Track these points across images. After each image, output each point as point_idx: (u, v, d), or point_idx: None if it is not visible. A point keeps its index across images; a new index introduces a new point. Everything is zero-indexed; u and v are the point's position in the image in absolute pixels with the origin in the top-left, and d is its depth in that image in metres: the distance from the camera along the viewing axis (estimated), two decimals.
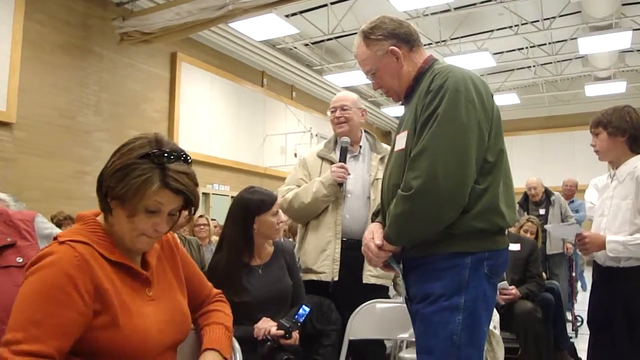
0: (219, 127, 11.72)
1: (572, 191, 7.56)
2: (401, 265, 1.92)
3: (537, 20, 11.14)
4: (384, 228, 1.85)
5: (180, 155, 1.40)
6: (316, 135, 13.96)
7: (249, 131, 12.62)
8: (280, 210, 2.73)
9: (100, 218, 1.45)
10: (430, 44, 11.73)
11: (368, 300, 2.55)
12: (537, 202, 6.48)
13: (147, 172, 1.34)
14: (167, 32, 8.70)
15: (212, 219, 6.99)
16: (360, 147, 3.07)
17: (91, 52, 8.90)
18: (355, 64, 12.13)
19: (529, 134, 17.22)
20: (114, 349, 1.31)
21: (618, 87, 13.86)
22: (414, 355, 1.88)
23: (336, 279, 2.85)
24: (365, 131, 3.15)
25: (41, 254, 1.32)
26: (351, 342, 2.48)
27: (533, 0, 10.32)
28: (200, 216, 6.02)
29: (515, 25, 11.37)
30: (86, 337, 1.29)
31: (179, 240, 1.70)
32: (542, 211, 6.37)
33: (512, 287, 4.05)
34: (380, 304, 2.56)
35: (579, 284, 8.51)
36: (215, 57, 11.64)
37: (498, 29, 11.97)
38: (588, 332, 2.92)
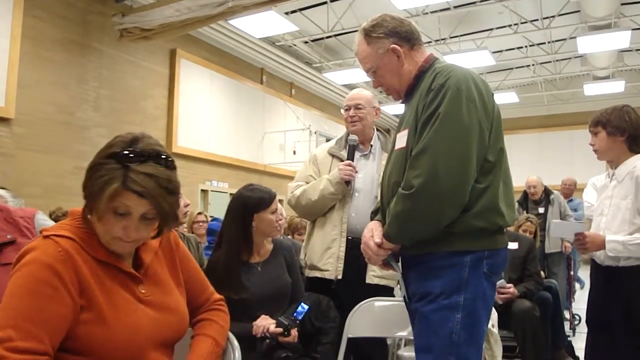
0: (218, 124, 11.72)
1: (570, 190, 7.57)
2: (400, 264, 1.92)
3: (537, 19, 11.14)
4: (383, 226, 1.85)
5: (152, 157, 1.33)
6: (315, 132, 13.97)
7: (248, 128, 12.62)
8: (279, 208, 2.73)
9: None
10: (430, 42, 11.73)
11: None
12: (537, 200, 6.50)
13: (110, 172, 1.29)
14: (166, 28, 8.69)
15: (211, 216, 6.98)
16: (372, 146, 3.04)
17: (90, 48, 8.88)
18: (354, 61, 12.13)
19: (527, 133, 17.23)
20: (101, 344, 1.29)
21: (617, 86, 13.89)
22: (413, 354, 1.88)
23: (339, 277, 2.84)
24: (378, 130, 3.13)
25: (25, 249, 1.31)
26: (353, 340, 2.49)
27: None
28: (199, 213, 6.01)
29: (515, 24, 11.37)
30: (73, 332, 1.28)
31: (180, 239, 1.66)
32: (541, 210, 6.38)
33: (510, 285, 4.05)
34: (378, 302, 2.56)
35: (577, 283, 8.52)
36: (215, 54, 11.63)
37: (497, 28, 11.97)
38: (585, 331, 2.92)
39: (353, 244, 2.81)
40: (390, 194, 1.84)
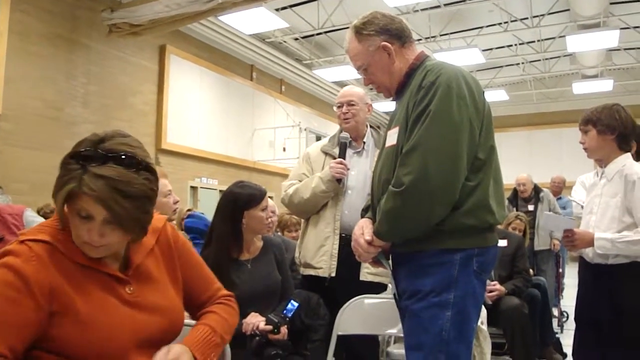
0: (208, 120, 11.68)
1: (559, 188, 7.62)
2: (390, 261, 1.93)
3: (527, 18, 11.19)
4: (374, 223, 1.85)
5: (113, 158, 1.25)
6: (305, 129, 13.95)
7: (238, 125, 12.59)
8: (270, 205, 2.72)
9: None
10: (420, 39, 11.74)
11: None
12: (526, 198, 6.54)
13: (69, 173, 1.24)
14: (156, 24, 8.65)
15: (201, 213, 6.96)
16: (364, 142, 3.03)
17: (79, 44, 8.81)
18: (344, 58, 12.13)
19: (517, 131, 17.32)
20: (79, 347, 1.27)
21: (605, 85, 14.00)
22: (402, 351, 1.89)
23: (333, 274, 2.84)
24: (371, 126, 3.12)
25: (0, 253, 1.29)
26: (344, 338, 2.48)
27: None
28: (189, 210, 5.98)
29: (505, 22, 11.41)
30: (48, 335, 1.26)
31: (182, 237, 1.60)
32: (531, 207, 6.43)
33: (495, 282, 4.06)
34: (368, 300, 2.56)
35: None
36: (205, 50, 11.58)
37: (487, 26, 12.01)
38: (573, 328, 2.94)
39: (346, 242, 2.78)
40: (381, 192, 1.84)
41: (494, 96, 15.06)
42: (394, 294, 1.94)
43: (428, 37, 11.86)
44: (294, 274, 3.09)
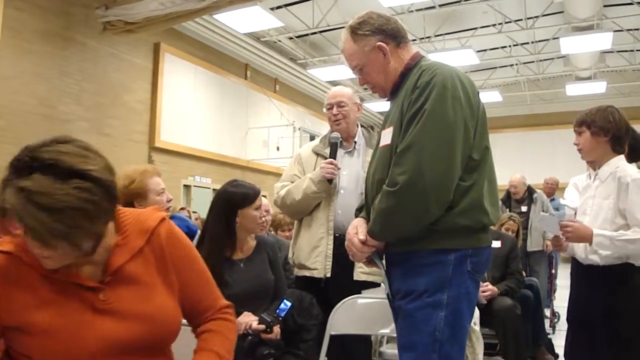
0: (202, 119, 11.66)
1: (553, 189, 7.63)
2: (384, 261, 1.93)
3: (521, 19, 11.23)
4: (367, 223, 1.85)
5: (40, 168, 1.14)
6: (299, 129, 13.95)
7: (232, 124, 12.57)
8: (264, 204, 2.71)
9: None
10: (415, 40, 11.76)
11: None
12: (519, 199, 6.56)
13: (3, 184, 1.17)
14: (150, 22, 8.63)
15: (194, 212, 6.95)
16: (355, 142, 3.02)
17: (73, 41, 8.78)
18: (339, 58, 12.15)
19: (510, 132, 17.37)
20: (42, 356, 1.25)
21: (598, 87, 14.07)
22: (395, 351, 1.89)
23: (328, 275, 2.83)
24: (362, 125, 3.11)
25: None
26: (336, 337, 2.48)
27: None
28: (182, 208, 5.99)
29: (499, 24, 11.45)
30: (10, 342, 1.25)
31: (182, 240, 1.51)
32: (524, 208, 6.45)
33: (487, 283, 4.07)
34: (361, 300, 2.56)
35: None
36: (199, 49, 11.56)
37: (482, 27, 12.05)
38: (565, 329, 2.95)
39: (340, 242, 2.77)
40: (375, 191, 1.84)
41: (487, 97, 15.10)
42: (388, 294, 1.94)
43: (422, 38, 11.89)
44: (287, 273, 3.09)
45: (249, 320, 2.40)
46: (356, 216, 2.00)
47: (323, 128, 13.86)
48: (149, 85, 10.41)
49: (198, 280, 1.50)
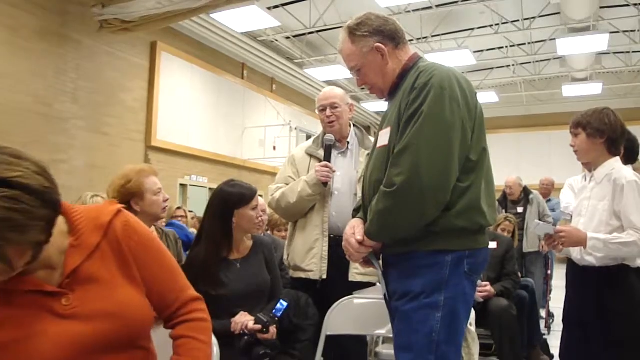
0: (198, 118, 11.64)
1: (548, 190, 7.65)
2: (381, 262, 1.93)
3: (517, 20, 11.25)
4: (365, 224, 1.85)
5: None
6: (295, 128, 13.95)
7: (228, 123, 12.55)
8: (261, 204, 2.71)
9: None
10: (412, 40, 11.76)
11: None
12: (515, 200, 6.56)
13: None
14: (147, 21, 8.61)
15: (190, 211, 6.93)
16: (348, 143, 3.01)
17: (69, 39, 8.75)
18: (336, 58, 12.15)
19: (506, 132, 17.39)
20: None
21: (594, 88, 14.11)
22: (391, 351, 1.89)
23: (324, 277, 2.83)
24: (355, 125, 3.10)
25: None
26: (332, 337, 2.48)
27: (514, 0, 10.42)
28: (178, 208, 5.97)
29: (496, 25, 11.47)
30: None
31: (150, 234, 1.46)
32: (520, 209, 6.44)
33: (486, 283, 4.08)
34: (357, 300, 2.56)
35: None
36: (196, 48, 11.54)
37: (479, 28, 12.06)
38: (560, 329, 2.95)
39: (336, 243, 2.78)
40: (372, 192, 1.84)
41: (484, 98, 15.12)
42: (384, 295, 1.94)
43: (419, 38, 11.89)
44: (283, 273, 3.09)
45: (245, 320, 2.39)
46: (353, 217, 2.00)
47: (319, 128, 13.80)
48: (146, 84, 10.39)
49: (161, 271, 1.43)
